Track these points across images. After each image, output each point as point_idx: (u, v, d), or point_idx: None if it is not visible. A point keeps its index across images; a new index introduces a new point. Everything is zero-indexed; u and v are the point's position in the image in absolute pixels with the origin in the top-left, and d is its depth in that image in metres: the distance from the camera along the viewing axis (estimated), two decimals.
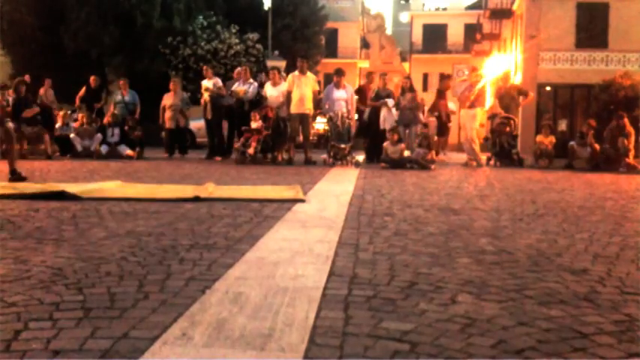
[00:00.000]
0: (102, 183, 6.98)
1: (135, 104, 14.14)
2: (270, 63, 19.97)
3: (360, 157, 13.11)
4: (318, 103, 12.83)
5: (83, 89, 14.87)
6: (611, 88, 19.23)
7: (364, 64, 44.89)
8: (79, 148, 12.89)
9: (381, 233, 4.10)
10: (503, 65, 26.58)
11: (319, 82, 14.08)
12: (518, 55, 25.13)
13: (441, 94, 15.53)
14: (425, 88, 42.87)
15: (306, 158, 11.95)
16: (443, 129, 16.02)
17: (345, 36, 43.73)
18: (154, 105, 14.84)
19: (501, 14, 30.09)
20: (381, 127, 12.88)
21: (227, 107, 13.10)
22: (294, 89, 11.83)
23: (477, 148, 13.15)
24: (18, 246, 3.45)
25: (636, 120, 15.26)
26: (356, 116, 13.36)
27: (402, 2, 59.27)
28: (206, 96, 13.14)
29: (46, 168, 9.67)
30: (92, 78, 14.99)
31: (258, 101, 12.48)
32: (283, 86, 12.17)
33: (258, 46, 24.56)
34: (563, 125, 22.96)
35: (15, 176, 7.02)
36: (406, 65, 47.81)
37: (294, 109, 11.82)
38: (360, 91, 14.06)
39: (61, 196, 5.56)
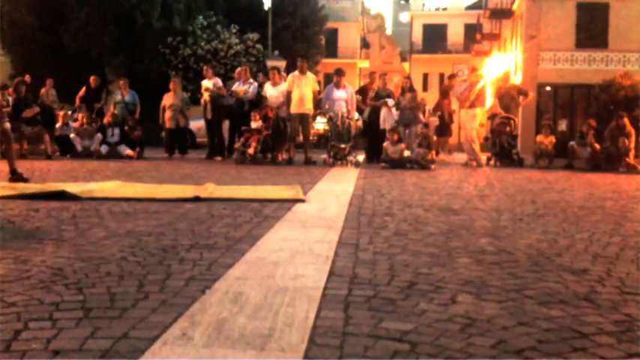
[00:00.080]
0: (102, 183, 6.98)
1: (135, 104, 14.14)
2: (270, 63, 19.96)
3: (360, 157, 13.10)
4: (318, 103, 12.83)
5: (83, 89, 14.88)
6: (611, 88, 19.23)
7: (364, 64, 44.89)
8: (79, 148, 12.89)
9: (381, 233, 4.10)
10: (503, 65, 26.58)
11: (319, 82, 14.09)
12: (518, 55, 25.13)
13: (444, 93, 15.53)
14: (425, 88, 42.91)
15: (306, 158, 11.94)
16: (444, 129, 16.02)
17: (345, 36, 43.73)
18: (154, 105, 14.83)
19: (501, 14, 30.08)
20: (381, 127, 12.89)
21: (227, 107, 13.11)
22: (294, 89, 11.82)
23: (477, 148, 13.15)
24: (18, 246, 3.45)
25: (636, 120, 15.25)
26: (356, 115, 13.37)
27: (402, 2, 59.26)
28: (206, 96, 13.13)
29: (46, 168, 9.67)
30: (92, 78, 14.99)
31: (258, 101, 12.48)
32: (283, 86, 12.17)
33: (258, 46, 24.55)
34: (563, 125, 22.95)
35: (15, 176, 7.02)
36: (406, 65, 47.81)
37: (294, 109, 11.82)
38: (363, 91, 14.08)
39: (61, 196, 5.56)
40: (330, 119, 12.03)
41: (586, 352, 2.01)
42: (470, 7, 45.89)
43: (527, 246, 3.78)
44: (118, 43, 22.80)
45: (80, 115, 14.04)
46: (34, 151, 12.50)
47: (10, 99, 12.82)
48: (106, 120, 13.52)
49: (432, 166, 11.47)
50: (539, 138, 14.38)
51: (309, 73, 12.45)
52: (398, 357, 1.93)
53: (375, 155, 12.67)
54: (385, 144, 11.74)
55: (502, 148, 13.51)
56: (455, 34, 46.56)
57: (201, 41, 23.64)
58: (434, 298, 2.56)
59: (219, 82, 13.47)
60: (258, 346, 1.96)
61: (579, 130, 15.73)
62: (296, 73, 12.16)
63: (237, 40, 24.09)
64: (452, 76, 16.19)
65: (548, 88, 23.18)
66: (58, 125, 13.44)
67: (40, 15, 22.96)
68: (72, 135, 13.06)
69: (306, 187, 6.90)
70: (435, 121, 16.69)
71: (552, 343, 2.07)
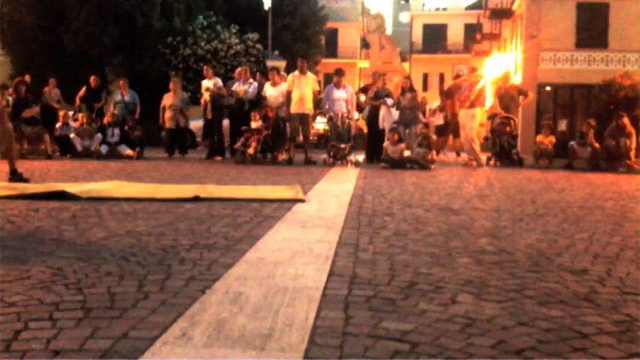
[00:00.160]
0: (102, 183, 6.98)
1: (135, 104, 14.16)
2: (270, 63, 19.96)
3: (360, 157, 13.11)
4: (318, 103, 12.84)
5: (83, 89, 14.88)
6: (611, 88, 19.23)
7: (364, 64, 44.92)
8: (79, 148, 12.90)
9: (381, 233, 4.10)
10: (503, 65, 26.57)
11: (319, 82, 14.09)
12: (518, 55, 25.13)
13: (448, 93, 15.54)
14: (425, 88, 42.92)
15: (306, 158, 11.95)
16: (446, 129, 16.03)
17: (345, 36, 43.74)
18: (154, 105, 14.84)
19: (501, 14, 30.09)
20: (380, 126, 12.91)
21: (228, 107, 13.12)
22: (294, 89, 11.83)
23: (477, 148, 13.16)
24: (18, 246, 3.45)
25: (636, 120, 15.25)
26: (356, 115, 13.38)
27: (402, 2, 59.26)
28: (206, 96, 13.14)
29: (46, 168, 9.67)
30: (92, 78, 15.00)
31: (258, 101, 12.49)
32: (283, 86, 12.18)
33: (258, 46, 24.55)
34: (563, 125, 22.96)
35: (16, 177, 7.01)
36: (406, 65, 47.84)
37: (294, 109, 11.82)
38: (366, 90, 14.11)
39: (61, 196, 5.56)
40: (330, 119, 12.04)
41: (586, 352, 2.01)
42: (470, 7, 45.91)
43: (527, 246, 3.78)
44: (118, 43, 22.80)
45: (80, 115, 14.05)
46: (34, 151, 12.50)
47: (10, 99, 12.82)
48: (106, 120, 13.52)
49: (432, 166, 11.47)
50: (539, 138, 14.38)
51: (309, 73, 12.45)
52: (398, 357, 1.93)
53: (375, 155, 12.68)
54: (385, 144, 11.74)
55: (502, 148, 13.52)
56: (455, 34, 46.57)
57: (201, 41, 23.64)
58: (434, 298, 2.56)
59: (219, 82, 13.48)
60: (258, 346, 1.96)
61: (579, 130, 15.73)
62: (296, 73, 12.17)
63: (237, 40, 24.09)
64: (457, 77, 16.21)
65: (548, 88, 23.18)
66: (58, 125, 13.45)
67: (40, 15, 22.97)
68: (72, 135, 13.06)
69: (306, 187, 6.90)
70: (433, 121, 16.70)
71: (552, 343, 2.07)
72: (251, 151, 11.43)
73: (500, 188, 7.92)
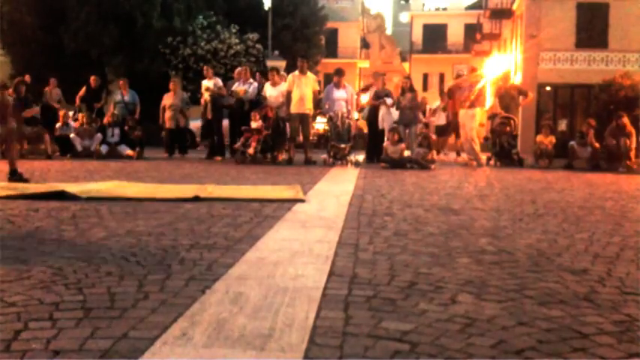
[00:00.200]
0: (102, 183, 6.98)
1: (135, 104, 14.15)
2: (270, 63, 19.96)
3: (360, 157, 13.11)
4: (318, 103, 12.83)
5: (83, 89, 14.87)
6: (611, 88, 19.23)
7: (364, 64, 44.92)
8: (79, 148, 12.89)
9: (381, 233, 4.10)
10: (503, 65, 26.57)
11: (319, 82, 14.10)
12: (518, 55, 25.13)
13: (450, 93, 15.54)
14: (425, 88, 42.90)
15: (306, 158, 11.94)
16: (448, 128, 16.04)
17: (345, 36, 43.72)
18: (154, 105, 14.83)
19: (501, 14, 30.08)
20: (380, 126, 12.91)
21: (228, 107, 13.12)
22: (294, 89, 11.82)
23: (477, 148, 13.16)
24: (18, 246, 3.45)
25: (636, 120, 15.25)
26: (356, 115, 13.39)
27: (402, 2, 59.25)
28: (207, 96, 13.14)
29: (46, 168, 9.67)
30: (92, 78, 14.99)
31: (258, 101, 12.49)
32: (283, 86, 12.18)
33: (258, 46, 24.54)
34: (563, 125, 22.94)
35: (16, 177, 7.01)
36: (406, 65, 47.83)
37: (294, 109, 11.82)
38: (368, 90, 14.14)
39: (61, 196, 5.56)
40: (330, 119, 12.04)
41: (586, 352, 2.01)
42: (470, 7, 45.89)
43: (527, 246, 3.78)
44: (118, 43, 22.80)
45: (80, 115, 14.05)
46: (34, 151, 12.50)
47: (10, 99, 12.80)
48: (106, 120, 13.52)
49: (432, 166, 11.47)
50: (539, 138, 14.38)
51: (309, 73, 12.45)
52: (398, 357, 1.93)
53: (375, 155, 12.68)
54: (385, 144, 11.74)
55: (502, 148, 13.51)
56: (455, 34, 46.55)
57: (201, 41, 23.63)
58: (434, 298, 2.56)
59: (219, 82, 13.47)
60: (258, 346, 1.96)
61: (579, 130, 15.73)
62: (296, 73, 12.16)
63: (237, 40, 24.08)
64: (458, 77, 16.23)
65: (548, 88, 23.18)
66: (58, 125, 13.45)
67: (40, 15, 22.95)
68: (72, 135, 13.06)
69: (306, 187, 6.90)
70: (433, 121, 16.70)
71: (552, 343, 2.07)
72: (251, 151, 11.43)
73: (500, 188, 7.92)
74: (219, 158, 12.80)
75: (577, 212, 5.56)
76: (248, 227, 4.21)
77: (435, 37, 46.63)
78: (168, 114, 13.79)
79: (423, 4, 51.08)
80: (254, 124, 11.66)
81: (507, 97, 14.04)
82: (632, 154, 13.39)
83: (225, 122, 13.58)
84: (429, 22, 48.11)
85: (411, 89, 13.20)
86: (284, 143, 12.32)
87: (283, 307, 2.35)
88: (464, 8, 47.05)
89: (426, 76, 46.32)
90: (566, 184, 9.05)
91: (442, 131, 16.66)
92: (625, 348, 2.06)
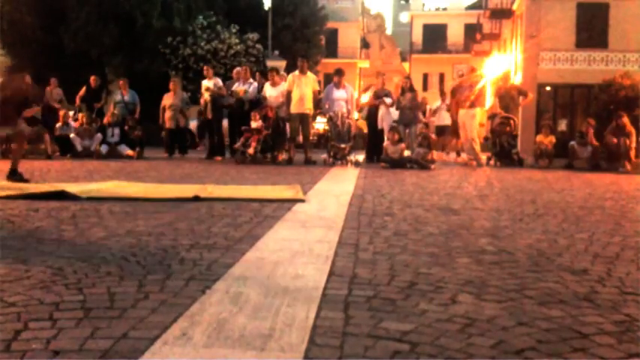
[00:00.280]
0: (102, 183, 6.98)
1: (135, 104, 14.16)
2: (270, 63, 19.97)
3: (360, 157, 13.11)
4: (318, 103, 12.84)
5: (83, 89, 14.87)
6: (611, 88, 19.22)
7: (364, 64, 44.95)
8: (79, 148, 12.90)
9: (381, 233, 4.10)
10: (503, 65, 26.59)
11: (319, 82, 14.10)
12: (518, 55, 25.12)
13: (453, 93, 15.54)
14: (425, 88, 42.91)
15: (306, 158, 11.94)
16: (454, 128, 16.03)
17: (345, 36, 43.73)
18: (154, 105, 14.84)
19: (501, 14, 30.07)
20: (379, 126, 12.92)
21: (228, 107, 13.13)
22: (294, 89, 11.83)
23: (477, 147, 13.16)
24: (18, 246, 3.45)
25: (636, 120, 15.26)
26: (355, 115, 13.39)
27: (402, 2, 59.28)
28: (207, 96, 13.14)
29: (46, 168, 9.67)
30: (92, 78, 14.99)
31: (258, 101, 12.49)
32: (283, 86, 12.18)
33: (258, 46, 24.55)
34: (563, 125, 22.94)
35: (16, 177, 7.01)
36: (406, 65, 47.88)
37: (294, 108, 11.82)
38: (369, 90, 14.16)
39: (61, 196, 5.56)
40: (330, 119, 12.04)
41: (586, 353, 2.01)
42: (470, 7, 45.91)
43: (527, 246, 3.78)
44: (118, 43, 22.80)
45: (80, 115, 14.05)
46: (34, 151, 12.49)
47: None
48: (106, 120, 13.52)
49: (432, 166, 11.47)
50: (539, 138, 14.38)
51: (309, 73, 12.45)
52: (398, 357, 1.93)
53: (375, 155, 12.68)
54: (385, 143, 11.75)
55: (502, 148, 13.52)
56: (455, 34, 46.57)
57: (201, 41, 23.64)
58: (434, 298, 2.56)
59: (219, 82, 13.48)
60: (258, 346, 1.96)
61: (579, 130, 15.73)
62: (296, 72, 12.17)
63: (237, 40, 24.09)
64: (461, 77, 16.25)
65: (548, 88, 23.17)
66: (58, 125, 13.45)
67: (40, 15, 22.95)
68: (72, 135, 13.06)
69: (306, 187, 6.90)
70: (433, 121, 16.71)
71: (552, 343, 2.07)
72: (251, 151, 11.43)
73: (500, 188, 7.92)
74: (219, 158, 12.80)
75: (577, 212, 5.56)
76: (248, 227, 4.21)
77: (435, 37, 46.64)
78: (168, 114, 13.79)
79: (423, 4, 51.13)
80: (254, 124, 11.66)
81: (507, 97, 14.06)
82: (632, 153, 13.39)
83: (225, 122, 13.58)
84: (429, 22, 48.13)
85: (411, 89, 13.20)
86: (284, 143, 12.32)
87: (283, 307, 2.35)
88: (464, 8, 47.08)
89: (426, 76, 46.35)
90: (566, 184, 9.05)
91: (442, 131, 16.65)
92: (625, 348, 2.06)
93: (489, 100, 15.05)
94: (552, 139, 14.19)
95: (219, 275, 2.83)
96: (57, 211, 4.81)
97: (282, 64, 20.64)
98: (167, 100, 13.94)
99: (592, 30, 22.42)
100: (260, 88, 12.75)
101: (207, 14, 24.65)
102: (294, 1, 28.44)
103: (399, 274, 2.95)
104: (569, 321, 2.31)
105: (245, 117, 12.11)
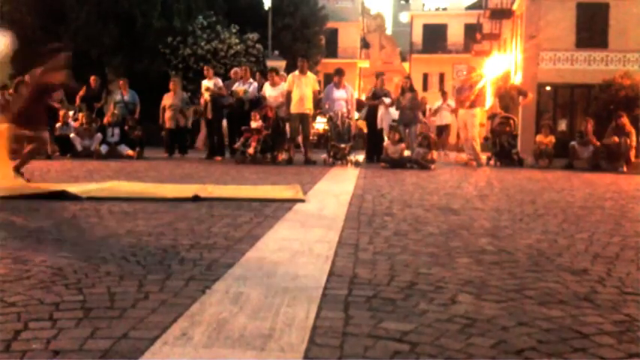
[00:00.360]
0: (102, 183, 6.98)
1: (135, 104, 14.16)
2: (270, 63, 19.97)
3: (360, 157, 13.11)
4: (318, 103, 12.85)
5: (83, 89, 14.86)
6: (611, 88, 19.22)
7: (364, 64, 44.94)
8: (79, 148, 12.90)
9: (381, 233, 4.10)
10: (503, 65, 26.60)
11: (319, 82, 14.11)
12: (518, 55, 25.13)
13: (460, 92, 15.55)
14: (425, 88, 42.92)
15: (306, 158, 11.95)
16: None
17: (345, 36, 43.72)
18: (154, 105, 14.84)
19: (501, 14, 30.08)
20: (379, 126, 12.92)
21: (228, 107, 13.13)
22: (294, 89, 11.83)
23: (477, 147, 13.16)
24: (18, 246, 3.45)
25: (636, 120, 15.26)
26: (356, 115, 13.40)
27: (402, 2, 59.26)
28: (207, 96, 13.15)
29: (46, 168, 9.67)
30: (92, 78, 14.99)
31: (258, 101, 12.49)
32: (283, 86, 12.18)
33: (258, 46, 24.55)
34: (563, 125, 22.95)
35: (17, 175, 7.00)
36: (406, 65, 47.88)
37: (294, 108, 11.82)
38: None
39: (61, 196, 5.56)
40: (330, 119, 12.04)
41: (586, 353, 2.01)
42: (470, 7, 45.91)
43: (527, 246, 3.78)
44: (117, 42, 22.80)
45: (80, 115, 14.05)
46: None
47: (11, 99, 12.80)
48: (106, 120, 13.52)
49: (432, 166, 11.47)
50: (539, 138, 14.38)
51: (309, 73, 12.45)
52: (398, 357, 1.92)
53: (375, 155, 12.69)
54: (386, 143, 11.75)
55: (502, 148, 13.52)
56: (455, 34, 46.57)
57: (201, 41, 23.63)
58: (434, 298, 2.56)
59: (219, 82, 13.49)
60: (258, 346, 1.96)
61: (578, 130, 15.73)
62: (296, 72, 12.17)
63: (237, 40, 24.09)
64: (464, 76, 16.24)
65: (548, 88, 23.18)
66: (58, 125, 13.45)
67: (40, 15, 22.94)
68: (72, 135, 13.06)
69: (306, 187, 6.90)
70: (433, 121, 16.72)
71: (552, 343, 2.07)
72: (251, 151, 11.43)
73: (500, 188, 7.92)
74: (219, 158, 12.80)
75: (577, 212, 5.56)
76: (248, 227, 4.21)
77: (435, 37, 46.64)
78: (168, 114, 13.80)
79: (423, 4, 51.12)
80: (254, 124, 11.66)
81: (507, 97, 14.09)
82: (632, 153, 13.39)
83: (224, 122, 13.59)
84: (429, 22, 48.12)
85: (411, 89, 13.21)
86: (284, 143, 12.32)
87: (283, 307, 2.35)
88: (464, 8, 47.08)
89: (426, 76, 46.35)
90: (566, 184, 9.05)
91: (443, 131, 16.68)
92: (625, 348, 2.06)
93: (489, 100, 15.06)
94: (552, 139, 14.19)
95: (219, 275, 2.83)
96: (57, 211, 4.81)
97: (282, 64, 20.64)
98: (167, 100, 13.95)
99: (592, 30, 22.42)
100: (260, 88, 12.76)
101: (207, 14, 24.65)
102: (294, 1, 28.45)
103: (399, 274, 2.95)
104: (569, 321, 2.31)
105: (245, 117, 12.11)
